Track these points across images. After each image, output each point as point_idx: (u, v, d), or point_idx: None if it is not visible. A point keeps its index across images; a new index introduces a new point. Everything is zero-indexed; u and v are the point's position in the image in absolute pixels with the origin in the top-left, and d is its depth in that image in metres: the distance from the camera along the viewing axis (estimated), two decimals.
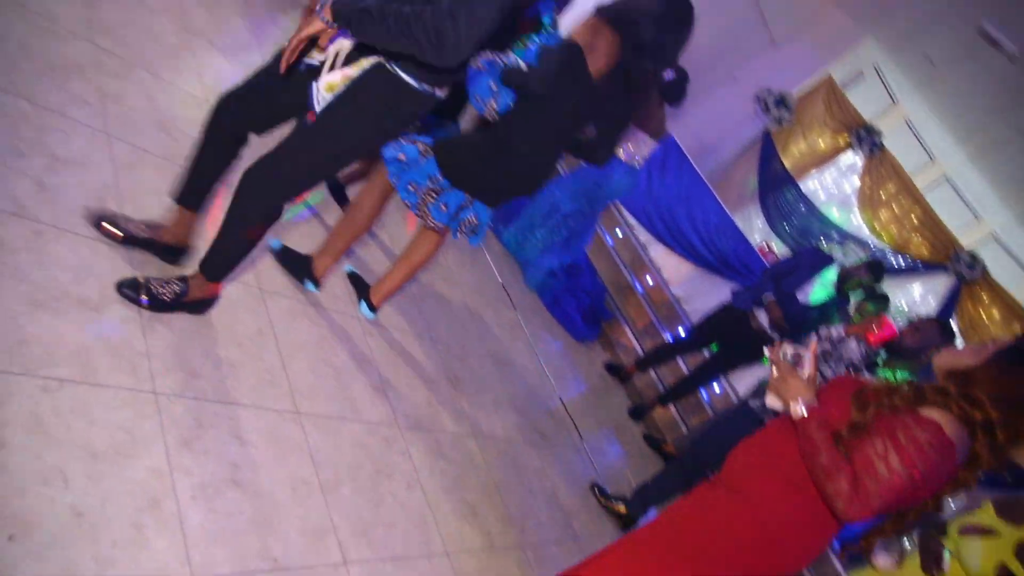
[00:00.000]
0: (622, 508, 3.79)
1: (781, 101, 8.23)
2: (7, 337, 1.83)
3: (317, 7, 1.82)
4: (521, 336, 4.47)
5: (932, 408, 1.72)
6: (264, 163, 2.06)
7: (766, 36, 8.59)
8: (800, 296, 4.83)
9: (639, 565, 1.90)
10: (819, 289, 4.83)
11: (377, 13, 1.73)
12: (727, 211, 6.89)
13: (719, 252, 6.52)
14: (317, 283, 2.92)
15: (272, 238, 2.87)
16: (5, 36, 2.44)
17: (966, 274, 7.83)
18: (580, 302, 5.36)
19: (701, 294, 6.54)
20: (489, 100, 2.59)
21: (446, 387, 3.32)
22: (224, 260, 2.21)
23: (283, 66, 1.88)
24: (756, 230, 8.59)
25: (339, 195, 3.58)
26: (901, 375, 3.51)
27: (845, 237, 8.25)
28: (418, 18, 1.70)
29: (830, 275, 4.84)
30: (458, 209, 2.79)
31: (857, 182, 8.55)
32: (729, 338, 5.06)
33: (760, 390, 4.47)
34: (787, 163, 8.64)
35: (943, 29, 6.63)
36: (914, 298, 8.27)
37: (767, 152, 8.56)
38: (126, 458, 1.89)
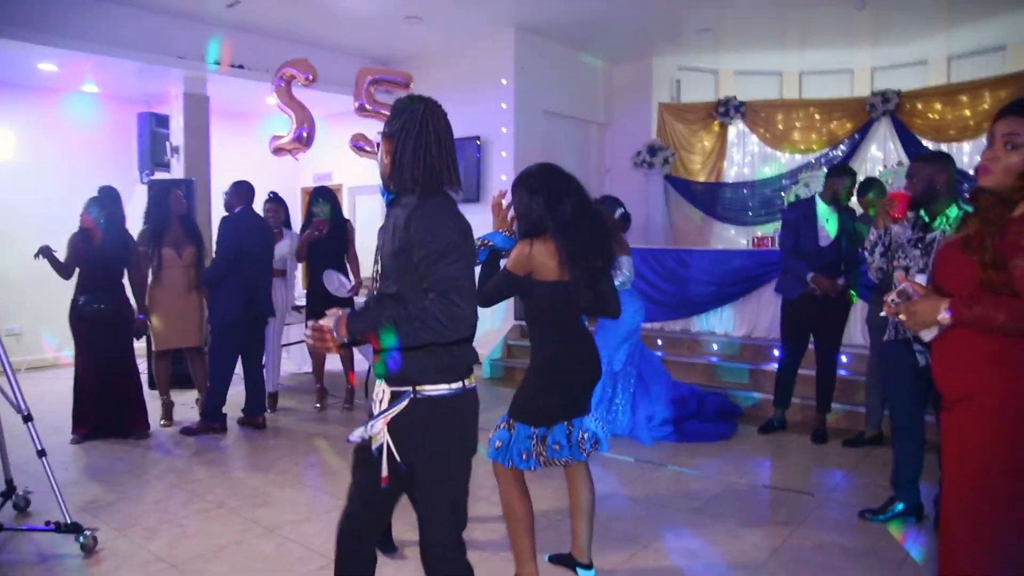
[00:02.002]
0: (900, 507, 3.71)
1: (651, 149, 8.87)
2: None
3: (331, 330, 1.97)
4: (683, 478, 4.48)
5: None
6: (431, 543, 2.14)
7: (596, 125, 9.47)
8: (823, 243, 5.02)
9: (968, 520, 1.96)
10: (828, 225, 5.02)
11: (386, 323, 1.91)
12: (705, 249, 7.23)
13: (736, 277, 6.73)
14: None
15: None
16: None
17: (890, 106, 8.20)
18: (704, 416, 5.45)
19: (762, 313, 6.68)
20: None
21: (695, 568, 3.29)
22: None
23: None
24: (740, 237, 8.92)
25: (386, 543, 3.41)
26: (952, 211, 3.57)
27: (793, 176, 8.61)
28: (425, 312, 1.92)
29: (822, 209, 5.04)
30: (566, 438, 2.93)
31: (756, 139, 9.08)
32: (812, 321, 5.15)
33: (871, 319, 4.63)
34: (701, 179, 9.19)
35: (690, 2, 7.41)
36: (878, 155, 8.52)
37: (681, 187, 9.11)
38: None
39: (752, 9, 7.43)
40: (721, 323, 6.96)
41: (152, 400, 5.66)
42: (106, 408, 5.18)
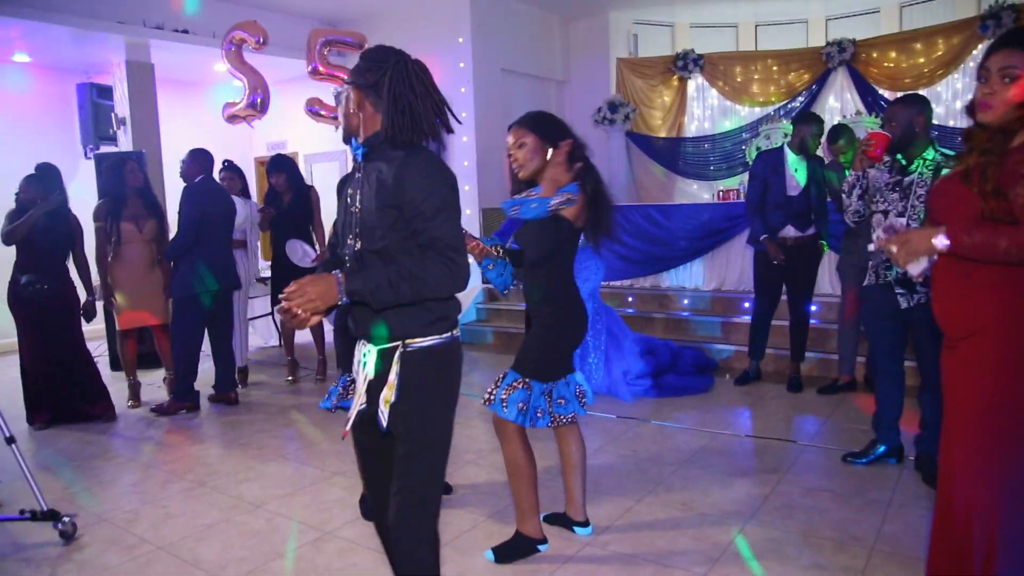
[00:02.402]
0: (882, 449, 3.80)
1: (612, 106, 8.79)
2: None
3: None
4: (667, 431, 4.50)
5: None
6: (402, 510, 2.03)
7: (555, 83, 9.37)
8: (793, 192, 5.03)
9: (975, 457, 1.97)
10: (797, 174, 5.03)
11: (388, 284, 1.88)
12: (670, 204, 7.22)
13: (705, 231, 6.75)
14: (543, 541, 3.00)
15: (485, 552, 2.97)
16: None
17: (846, 55, 8.25)
18: (681, 370, 5.52)
19: (732, 267, 6.72)
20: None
21: (690, 519, 3.31)
22: None
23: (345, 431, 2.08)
24: (703, 192, 8.94)
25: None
26: (929, 154, 3.57)
27: (753, 129, 8.63)
28: (426, 270, 1.90)
29: (792, 158, 5.05)
30: (568, 391, 2.95)
31: (715, 92, 9.06)
32: (784, 272, 5.17)
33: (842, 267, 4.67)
34: (662, 134, 9.16)
35: None
36: (836, 106, 8.58)
37: (642, 144, 9.07)
38: None
39: None
40: (691, 278, 6.99)
41: (118, 382, 5.48)
42: (61, 394, 4.98)
